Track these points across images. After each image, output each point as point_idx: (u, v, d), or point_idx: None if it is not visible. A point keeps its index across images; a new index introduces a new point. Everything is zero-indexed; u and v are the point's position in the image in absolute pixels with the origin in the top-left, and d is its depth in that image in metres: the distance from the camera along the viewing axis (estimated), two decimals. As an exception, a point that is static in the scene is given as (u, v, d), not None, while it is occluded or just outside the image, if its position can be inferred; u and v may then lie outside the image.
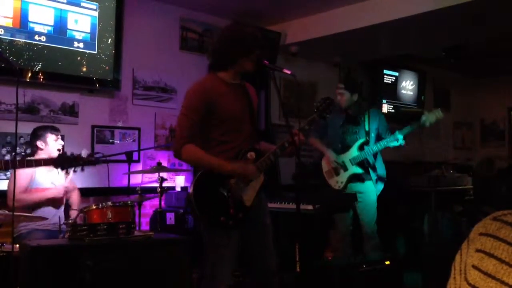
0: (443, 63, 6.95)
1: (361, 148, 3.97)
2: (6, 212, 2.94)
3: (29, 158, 3.37)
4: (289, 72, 2.50)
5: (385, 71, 6.76)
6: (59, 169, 3.43)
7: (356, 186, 4.01)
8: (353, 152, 3.99)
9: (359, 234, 4.09)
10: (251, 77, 2.61)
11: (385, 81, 6.77)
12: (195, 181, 2.42)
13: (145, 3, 4.65)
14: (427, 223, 5.24)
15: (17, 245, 2.65)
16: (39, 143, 3.48)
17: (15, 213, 2.59)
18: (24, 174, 3.39)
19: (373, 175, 4.01)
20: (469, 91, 8.32)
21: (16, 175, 3.29)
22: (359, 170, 3.98)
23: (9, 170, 3.78)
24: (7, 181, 3.77)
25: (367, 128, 4.02)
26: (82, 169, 2.71)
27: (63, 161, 2.66)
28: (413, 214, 5.51)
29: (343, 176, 4.02)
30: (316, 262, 3.28)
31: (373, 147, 3.93)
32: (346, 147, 4.04)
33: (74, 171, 2.71)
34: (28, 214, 3.24)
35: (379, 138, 4.00)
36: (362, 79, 6.57)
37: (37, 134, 3.51)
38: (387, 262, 3.26)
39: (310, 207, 3.35)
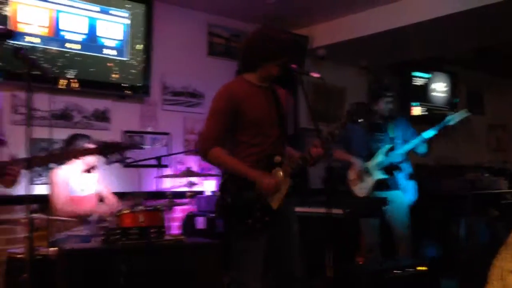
0: (473, 64, 6.79)
1: (387, 154, 3.93)
2: (42, 215, 3.01)
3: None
4: (316, 75, 2.47)
5: (417, 73, 6.63)
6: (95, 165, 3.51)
7: (383, 195, 3.95)
8: (379, 157, 3.95)
9: (390, 241, 4.02)
10: (278, 81, 2.59)
11: (415, 83, 6.65)
12: (222, 184, 2.43)
13: (173, 9, 4.71)
14: (463, 227, 5.11)
15: (53, 249, 2.71)
16: None
17: (50, 217, 2.66)
18: (61, 183, 3.45)
19: (400, 177, 3.95)
20: (503, 92, 8.09)
21: (56, 186, 3.35)
22: (384, 176, 3.93)
23: (44, 174, 3.88)
24: (44, 186, 3.86)
25: (391, 135, 3.98)
26: (122, 155, 2.79)
27: (105, 148, 2.74)
28: (448, 219, 5.38)
29: (368, 182, 3.97)
30: (347, 267, 3.24)
31: (399, 150, 3.88)
32: (372, 154, 4.01)
33: (116, 158, 2.78)
34: (63, 218, 3.31)
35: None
36: (392, 82, 6.49)
37: (72, 142, 3.53)
38: (421, 268, 3.19)
39: (340, 211, 3.31)
